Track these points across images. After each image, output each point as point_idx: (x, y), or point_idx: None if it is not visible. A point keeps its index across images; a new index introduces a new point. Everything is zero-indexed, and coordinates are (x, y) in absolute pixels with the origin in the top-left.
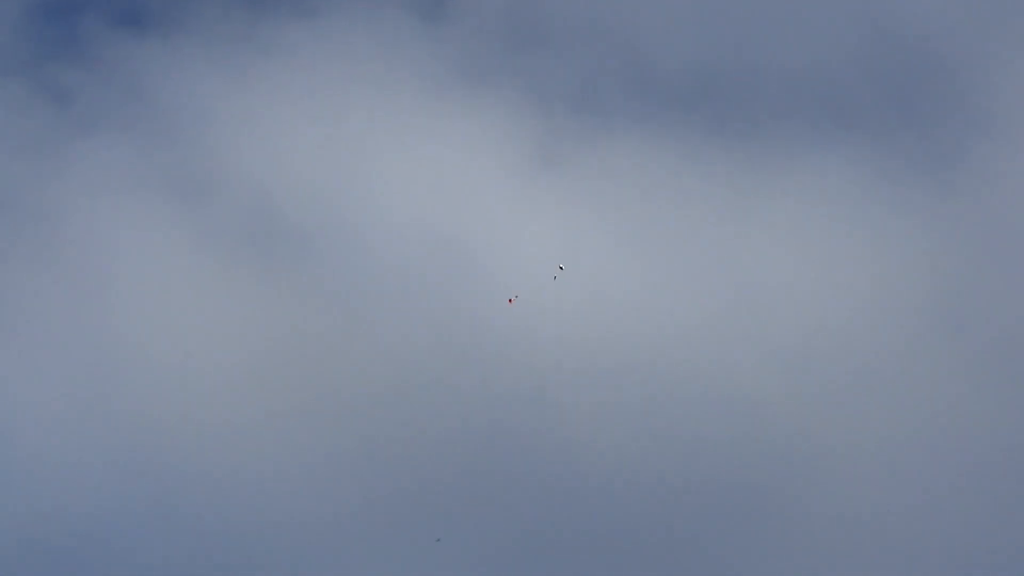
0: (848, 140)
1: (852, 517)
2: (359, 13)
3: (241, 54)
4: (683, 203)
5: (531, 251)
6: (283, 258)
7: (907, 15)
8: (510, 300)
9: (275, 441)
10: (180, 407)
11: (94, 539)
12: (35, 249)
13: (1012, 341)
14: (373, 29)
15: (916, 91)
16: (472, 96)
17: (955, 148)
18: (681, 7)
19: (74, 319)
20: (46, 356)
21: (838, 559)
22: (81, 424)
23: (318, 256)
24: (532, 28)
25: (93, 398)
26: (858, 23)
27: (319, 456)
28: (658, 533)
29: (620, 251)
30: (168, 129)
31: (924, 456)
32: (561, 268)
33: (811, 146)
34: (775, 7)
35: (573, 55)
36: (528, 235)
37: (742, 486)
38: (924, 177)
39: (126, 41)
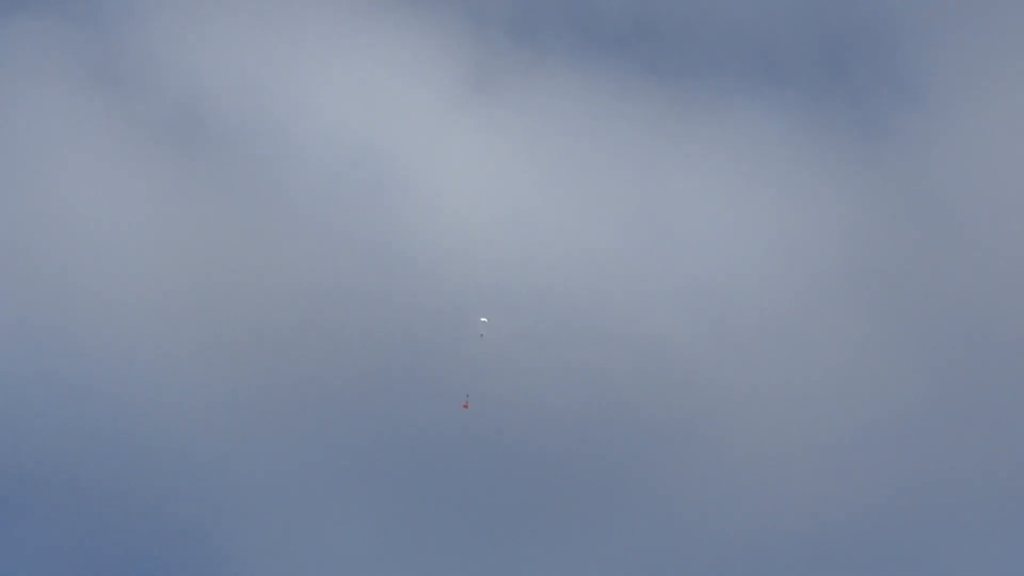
0: (780, 98)
1: (752, 454)
2: None
3: None
4: (611, 141)
5: (457, 173)
6: (207, 155)
7: None
8: (464, 405)
9: (183, 329)
10: (96, 294)
11: None
12: None
13: (914, 304)
14: None
15: (853, 59)
16: (410, 15)
17: (883, 120)
18: None
19: None
20: None
21: (741, 495)
22: None
23: (242, 156)
24: None
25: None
26: None
27: (232, 348)
28: (562, 461)
29: (545, 182)
30: (96, 14)
31: (821, 401)
32: (484, 321)
33: (743, 99)
34: None
35: None
36: (455, 157)
37: (644, 419)
38: (850, 144)
39: None
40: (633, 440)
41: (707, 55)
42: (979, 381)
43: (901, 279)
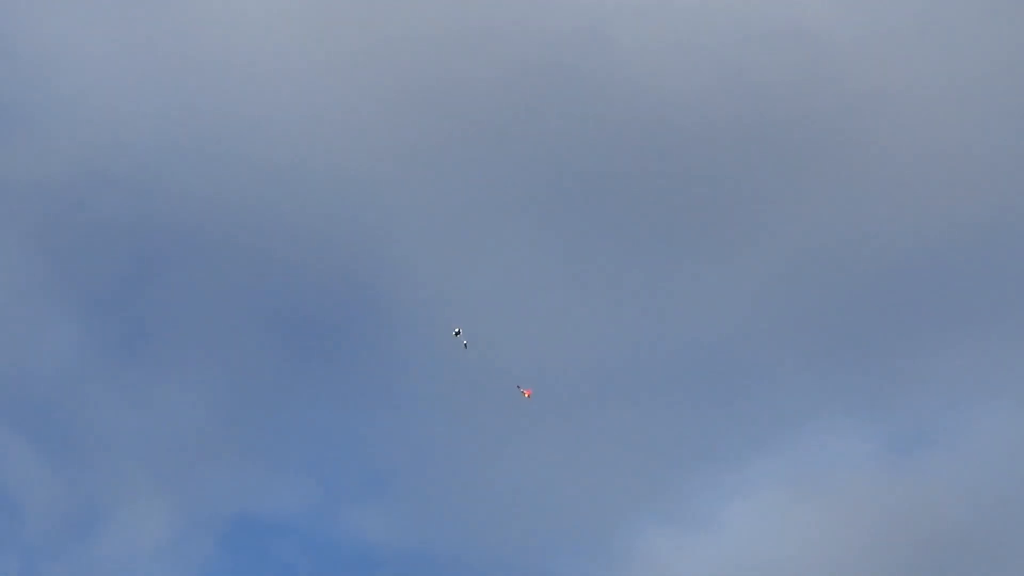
0: None
1: (898, 154)
2: None
3: None
4: None
5: None
6: None
7: None
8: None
9: (325, 85)
10: (239, 49)
11: (149, 172)
12: None
13: None
14: None
15: None
16: None
17: None
18: None
19: None
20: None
21: (886, 196)
22: (142, 63)
23: None
24: None
25: (153, 39)
26: None
27: (371, 99)
28: (716, 173)
29: None
30: None
31: (967, 100)
32: (458, 333)
33: None
34: None
35: None
36: None
37: (796, 126)
38: None
39: None
40: (780, 143)
41: None
42: None
43: None
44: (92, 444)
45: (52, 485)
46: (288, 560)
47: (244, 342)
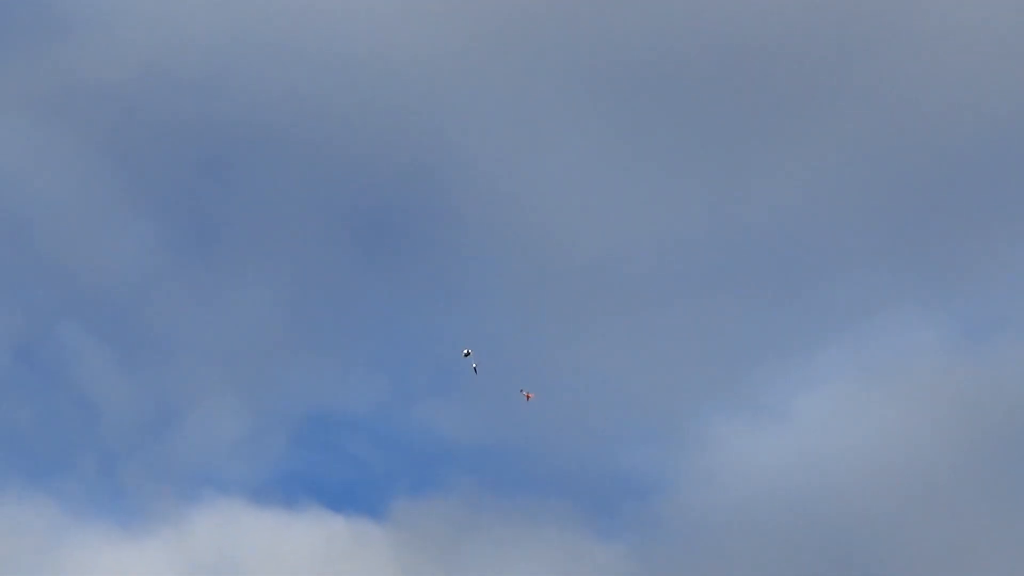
0: None
1: (968, 43)
2: None
3: None
4: None
5: None
6: None
7: None
8: (528, 396)
9: None
10: None
11: (217, 71)
12: None
13: None
14: None
15: None
16: None
17: None
18: None
19: None
20: None
21: (958, 81)
22: None
23: None
24: None
25: None
26: None
27: None
28: (787, 55)
29: None
30: None
31: None
32: (468, 354)
33: None
34: None
35: None
36: None
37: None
38: None
39: None
40: (851, 24)
41: None
42: None
43: None
44: (167, 343)
45: (128, 384)
46: (360, 456)
47: (315, 240)
